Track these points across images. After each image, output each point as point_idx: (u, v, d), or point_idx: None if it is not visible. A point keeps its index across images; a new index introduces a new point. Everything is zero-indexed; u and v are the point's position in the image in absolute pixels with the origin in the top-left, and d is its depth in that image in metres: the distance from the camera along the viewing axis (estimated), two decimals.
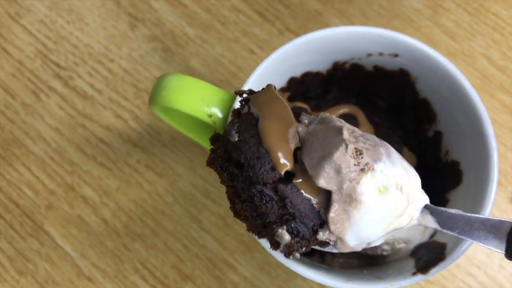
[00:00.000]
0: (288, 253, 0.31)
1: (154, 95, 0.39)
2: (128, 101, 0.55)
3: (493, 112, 0.53)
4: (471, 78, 0.54)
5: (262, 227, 0.31)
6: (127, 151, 0.53)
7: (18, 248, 0.51)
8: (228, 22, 0.57)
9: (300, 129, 0.32)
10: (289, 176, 0.30)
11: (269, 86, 0.34)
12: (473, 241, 0.31)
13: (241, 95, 0.34)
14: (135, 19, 0.57)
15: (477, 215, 0.31)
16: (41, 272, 0.50)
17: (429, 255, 0.38)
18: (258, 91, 0.34)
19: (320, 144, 0.30)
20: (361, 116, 0.45)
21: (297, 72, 0.43)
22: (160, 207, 0.52)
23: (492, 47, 0.55)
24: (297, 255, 0.31)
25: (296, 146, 0.31)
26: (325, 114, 0.33)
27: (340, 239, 0.31)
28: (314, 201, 0.30)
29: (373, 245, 0.32)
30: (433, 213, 0.32)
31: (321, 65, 0.43)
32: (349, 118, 0.46)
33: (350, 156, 0.29)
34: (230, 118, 0.35)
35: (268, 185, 0.30)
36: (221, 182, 0.33)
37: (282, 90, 0.44)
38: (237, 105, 0.35)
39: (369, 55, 0.42)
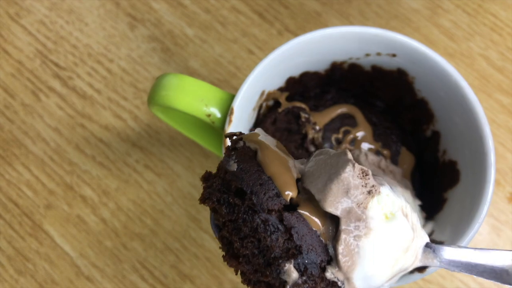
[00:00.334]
0: None
1: (153, 95, 0.40)
2: (127, 101, 0.55)
3: (491, 112, 0.53)
4: (469, 79, 0.54)
5: (266, 265, 0.28)
6: (126, 151, 0.53)
7: (17, 248, 0.51)
8: (227, 22, 0.57)
9: (297, 164, 0.31)
10: (293, 207, 0.28)
11: (258, 129, 0.33)
12: (478, 276, 0.30)
13: (231, 136, 0.32)
14: (135, 20, 0.58)
15: (480, 248, 0.30)
16: (40, 271, 0.50)
17: None
18: (249, 132, 0.33)
19: (324, 169, 0.29)
20: (359, 116, 0.46)
21: (296, 72, 0.43)
22: (159, 206, 0.52)
23: (490, 48, 0.55)
24: None
25: (297, 177, 0.29)
26: (320, 149, 0.32)
27: (347, 279, 0.28)
28: (320, 232, 0.28)
29: None
30: (435, 251, 0.31)
31: (320, 65, 0.43)
32: (348, 118, 0.46)
33: (358, 176, 0.28)
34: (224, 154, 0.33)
35: (273, 213, 0.27)
36: (216, 221, 0.30)
37: (281, 90, 0.44)
38: (228, 143, 0.33)
39: (367, 55, 0.42)
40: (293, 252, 0.27)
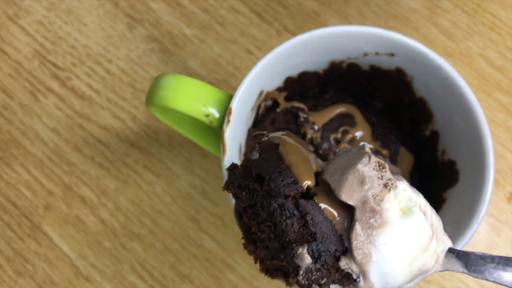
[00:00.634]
0: (307, 284, 0.28)
1: (151, 95, 0.40)
2: (126, 101, 0.55)
3: (491, 111, 0.53)
4: (468, 78, 0.54)
5: (280, 250, 0.29)
6: (125, 151, 0.53)
7: (16, 249, 0.51)
8: (226, 22, 0.57)
9: (319, 161, 0.31)
10: (310, 197, 0.29)
11: (286, 131, 0.34)
12: (503, 285, 0.29)
13: (258, 136, 0.34)
14: (133, 20, 0.58)
15: (504, 256, 0.29)
16: (39, 272, 0.50)
17: None
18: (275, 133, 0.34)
19: (342, 163, 0.29)
20: (358, 116, 0.46)
21: (294, 72, 0.43)
22: (158, 207, 0.52)
23: (489, 47, 0.55)
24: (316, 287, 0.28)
25: (316, 170, 0.30)
26: (344, 149, 0.32)
27: (363, 272, 0.28)
28: (335, 222, 0.28)
29: None
30: (458, 256, 0.30)
31: (318, 65, 0.43)
32: (346, 118, 0.46)
33: (373, 168, 0.28)
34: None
35: (289, 199, 0.28)
36: (239, 207, 0.31)
37: (279, 89, 0.44)
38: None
39: (366, 54, 0.42)
40: (308, 238, 0.28)
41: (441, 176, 0.42)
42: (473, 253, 0.30)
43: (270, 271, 0.30)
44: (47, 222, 0.52)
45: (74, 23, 0.58)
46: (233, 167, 0.32)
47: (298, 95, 0.46)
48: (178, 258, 0.50)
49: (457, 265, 0.30)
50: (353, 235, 0.28)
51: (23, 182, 0.53)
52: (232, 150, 0.39)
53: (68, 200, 0.52)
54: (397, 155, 0.45)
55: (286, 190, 0.28)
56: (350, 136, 0.45)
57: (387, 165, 0.29)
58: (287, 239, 0.28)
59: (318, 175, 0.30)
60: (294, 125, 0.45)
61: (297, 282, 0.28)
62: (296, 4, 0.57)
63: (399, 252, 0.28)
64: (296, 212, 0.28)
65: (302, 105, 0.45)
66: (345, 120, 0.45)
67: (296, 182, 0.28)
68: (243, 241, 0.49)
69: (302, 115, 0.44)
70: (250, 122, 0.43)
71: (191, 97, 0.39)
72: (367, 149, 0.29)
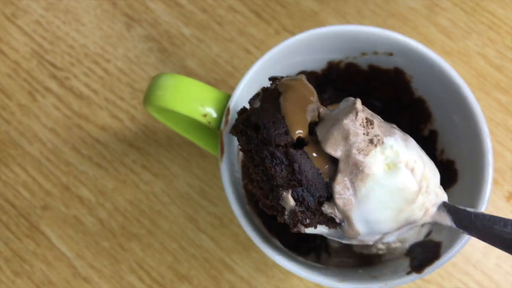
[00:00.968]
0: (293, 223, 0.31)
1: (148, 96, 0.39)
2: (124, 101, 0.55)
3: (489, 110, 0.53)
4: (467, 77, 0.54)
5: (270, 191, 0.32)
6: (123, 151, 0.53)
7: (14, 249, 0.51)
8: (224, 22, 0.57)
9: (322, 109, 0.32)
10: (301, 145, 0.31)
11: (301, 75, 0.34)
12: (491, 244, 0.29)
13: (274, 79, 0.35)
14: (131, 20, 0.57)
15: (499, 217, 0.29)
16: (37, 272, 0.50)
17: (424, 254, 0.38)
18: (290, 76, 0.35)
19: (333, 116, 0.31)
20: None
21: (292, 72, 0.43)
22: (156, 207, 0.52)
23: (488, 46, 0.55)
24: (302, 228, 0.31)
25: (313, 120, 0.32)
26: (347, 97, 0.33)
27: (346, 218, 0.30)
28: (322, 171, 0.30)
29: (386, 240, 0.32)
30: (449, 210, 0.31)
31: (316, 65, 0.43)
32: None
33: (360, 124, 0.29)
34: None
35: (280, 148, 0.30)
36: (241, 149, 0.34)
37: None
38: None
39: (364, 54, 0.41)
40: (294, 184, 0.30)
41: (440, 176, 0.42)
42: (465, 209, 0.31)
43: (267, 207, 0.33)
44: (45, 222, 0.52)
45: (72, 23, 0.58)
46: (242, 111, 0.34)
47: None
48: (177, 258, 0.50)
49: (446, 219, 0.31)
50: (335, 184, 0.29)
51: (21, 182, 0.53)
52: (230, 150, 0.39)
53: (66, 200, 0.52)
54: None
55: (277, 139, 0.30)
56: None
57: (375, 122, 0.30)
58: (275, 183, 0.31)
59: (315, 125, 0.32)
60: None
61: (285, 221, 0.31)
62: (295, 3, 0.57)
63: (382, 204, 0.30)
64: (285, 160, 0.30)
65: None
66: None
67: (287, 132, 0.30)
68: (241, 241, 0.49)
69: None
70: None
71: (189, 97, 0.38)
72: (358, 105, 0.30)
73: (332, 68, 0.44)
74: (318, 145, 0.30)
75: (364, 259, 0.42)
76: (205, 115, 0.38)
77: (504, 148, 0.52)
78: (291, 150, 0.30)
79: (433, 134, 0.43)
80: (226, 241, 0.51)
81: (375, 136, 0.29)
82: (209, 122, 0.39)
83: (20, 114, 0.55)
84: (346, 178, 0.29)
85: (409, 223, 0.31)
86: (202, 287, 0.50)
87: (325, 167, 0.30)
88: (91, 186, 0.52)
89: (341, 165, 0.29)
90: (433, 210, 0.31)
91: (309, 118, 0.31)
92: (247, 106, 0.35)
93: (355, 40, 0.40)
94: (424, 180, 0.30)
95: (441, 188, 0.32)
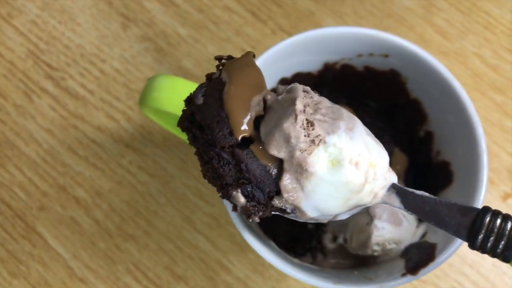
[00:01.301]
0: (247, 216, 0.31)
1: (144, 97, 0.39)
2: (120, 101, 0.55)
3: (485, 111, 0.53)
4: (463, 77, 0.54)
5: (221, 188, 0.32)
6: (119, 152, 0.53)
7: (10, 250, 0.51)
8: (220, 22, 0.57)
9: (269, 97, 0.32)
10: (248, 142, 0.31)
11: (248, 53, 0.34)
12: (436, 226, 0.31)
13: (220, 59, 0.34)
14: (127, 20, 0.57)
15: (444, 199, 0.31)
16: (33, 273, 0.50)
17: (419, 255, 0.38)
18: (236, 58, 0.34)
19: (277, 113, 0.31)
20: None
21: (288, 73, 0.43)
22: (152, 207, 0.52)
23: (484, 46, 0.55)
24: (256, 218, 0.31)
25: (258, 114, 0.31)
26: (295, 84, 0.33)
27: (297, 207, 0.31)
28: (269, 168, 0.31)
29: (338, 218, 0.32)
30: (398, 192, 0.32)
31: (312, 66, 0.43)
32: None
33: (300, 127, 0.29)
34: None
35: (225, 148, 0.30)
36: (189, 143, 0.33)
37: (273, 91, 0.44)
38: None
39: (360, 55, 0.41)
40: (243, 182, 0.31)
41: (435, 177, 0.42)
42: (413, 192, 0.32)
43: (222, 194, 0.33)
44: (42, 223, 0.52)
45: (67, 23, 0.57)
46: (189, 99, 0.33)
47: None
48: (173, 259, 0.50)
49: (396, 201, 0.32)
50: (281, 182, 0.30)
51: (17, 183, 0.53)
52: None
53: (63, 201, 0.52)
54: (392, 156, 0.45)
55: (222, 141, 0.30)
56: None
57: (316, 123, 0.30)
58: (224, 182, 0.31)
59: (262, 118, 0.31)
60: None
61: (240, 212, 0.32)
62: (291, 3, 0.57)
63: (329, 196, 0.30)
64: (231, 160, 0.31)
65: None
66: None
67: (232, 133, 0.30)
68: (238, 241, 0.49)
69: None
70: None
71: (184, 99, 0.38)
72: (298, 105, 0.30)
73: (328, 69, 0.44)
74: (263, 142, 0.31)
75: (359, 260, 0.42)
76: None
77: (499, 148, 0.52)
78: (237, 150, 0.30)
79: (429, 135, 0.44)
80: (223, 242, 0.51)
81: (316, 136, 0.30)
82: None
83: (16, 114, 0.55)
84: (292, 176, 0.30)
85: (359, 206, 0.32)
86: None
87: (272, 163, 0.31)
88: (88, 187, 0.52)
89: (286, 165, 0.30)
90: (382, 192, 0.32)
91: (254, 113, 0.31)
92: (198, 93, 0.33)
93: (351, 41, 0.40)
94: (370, 168, 0.31)
95: (390, 169, 0.32)
